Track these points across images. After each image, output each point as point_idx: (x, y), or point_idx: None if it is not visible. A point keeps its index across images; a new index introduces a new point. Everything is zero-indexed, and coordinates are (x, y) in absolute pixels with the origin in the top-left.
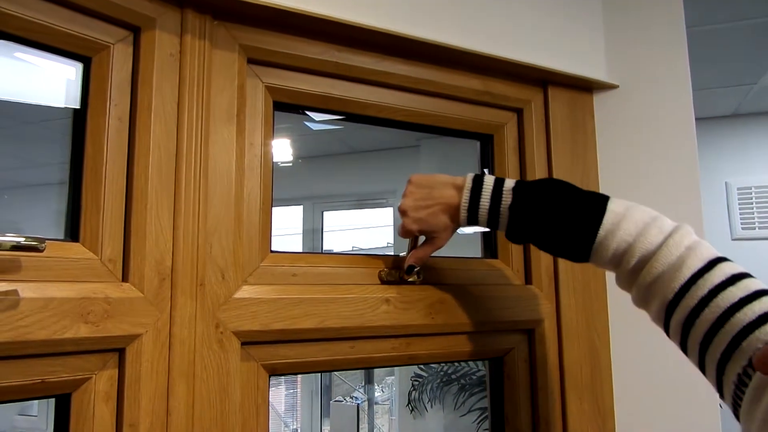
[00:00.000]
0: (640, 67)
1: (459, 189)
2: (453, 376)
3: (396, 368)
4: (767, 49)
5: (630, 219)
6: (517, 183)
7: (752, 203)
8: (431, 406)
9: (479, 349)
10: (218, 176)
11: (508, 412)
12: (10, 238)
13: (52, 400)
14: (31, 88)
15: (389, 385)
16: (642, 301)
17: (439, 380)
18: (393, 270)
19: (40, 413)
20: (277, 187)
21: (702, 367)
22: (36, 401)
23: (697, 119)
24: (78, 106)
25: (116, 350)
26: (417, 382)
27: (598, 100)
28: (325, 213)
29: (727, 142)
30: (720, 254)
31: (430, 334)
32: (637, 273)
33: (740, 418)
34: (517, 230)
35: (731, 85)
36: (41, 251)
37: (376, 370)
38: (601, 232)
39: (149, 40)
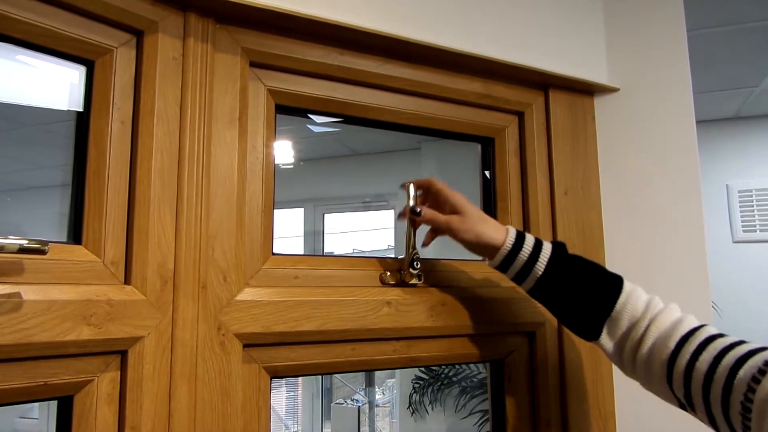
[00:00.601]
0: (641, 70)
1: (502, 235)
2: (454, 379)
3: (397, 371)
4: None
5: (635, 296)
6: (552, 255)
7: (753, 206)
8: (432, 409)
9: (480, 351)
10: (220, 179)
11: (509, 414)
12: (14, 241)
13: (54, 403)
14: (33, 91)
15: (390, 388)
16: (647, 367)
17: (440, 383)
18: (394, 272)
19: (41, 416)
20: (278, 190)
21: (710, 415)
22: (37, 404)
23: (698, 122)
24: (81, 109)
25: (118, 352)
26: (418, 385)
27: (599, 103)
28: (326, 215)
29: (728, 145)
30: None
31: (431, 337)
32: (640, 342)
33: None
34: (539, 296)
35: (732, 88)
36: (44, 254)
37: (377, 373)
38: (617, 307)
39: (152, 44)
